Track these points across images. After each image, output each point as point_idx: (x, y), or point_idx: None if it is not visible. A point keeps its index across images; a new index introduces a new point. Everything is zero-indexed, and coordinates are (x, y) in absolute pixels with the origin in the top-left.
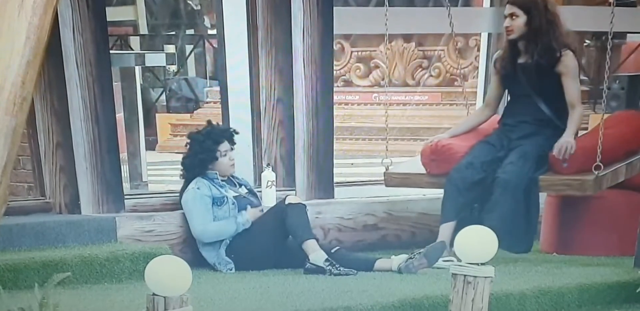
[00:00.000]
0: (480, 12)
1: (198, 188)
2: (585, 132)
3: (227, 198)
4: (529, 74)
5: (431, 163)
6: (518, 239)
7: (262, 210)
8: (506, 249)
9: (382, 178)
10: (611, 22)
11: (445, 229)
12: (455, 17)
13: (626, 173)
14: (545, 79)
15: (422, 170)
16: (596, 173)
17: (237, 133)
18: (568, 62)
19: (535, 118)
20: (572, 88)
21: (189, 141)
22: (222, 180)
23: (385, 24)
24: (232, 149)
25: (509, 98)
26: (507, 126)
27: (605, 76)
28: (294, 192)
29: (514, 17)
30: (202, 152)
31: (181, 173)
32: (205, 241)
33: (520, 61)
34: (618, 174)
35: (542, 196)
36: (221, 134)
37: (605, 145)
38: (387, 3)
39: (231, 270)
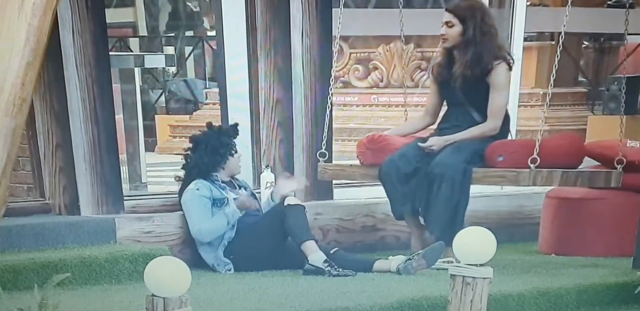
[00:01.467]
0: None
1: (197, 189)
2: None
3: (227, 199)
4: (461, 82)
5: (366, 151)
6: (446, 229)
7: (261, 210)
8: (439, 239)
9: None
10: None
11: (408, 222)
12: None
13: (560, 181)
14: (476, 89)
15: (356, 162)
16: (532, 165)
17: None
18: (497, 75)
19: (469, 125)
20: (495, 101)
21: (193, 145)
22: (223, 182)
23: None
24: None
25: (446, 107)
26: (443, 130)
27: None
28: (293, 193)
29: (450, 26)
30: (219, 150)
31: (176, 176)
32: (204, 240)
33: (454, 69)
34: (553, 176)
35: (540, 198)
36: (233, 130)
37: (543, 151)
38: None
39: (230, 270)
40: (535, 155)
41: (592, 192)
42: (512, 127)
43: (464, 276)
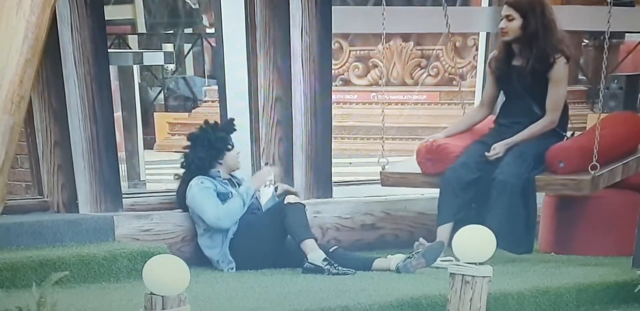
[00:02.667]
0: (478, 11)
1: (202, 182)
2: (581, 132)
3: (232, 193)
4: (522, 76)
5: (426, 162)
6: (518, 239)
7: (261, 209)
8: (508, 250)
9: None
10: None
11: (443, 231)
12: (453, 16)
13: (623, 173)
14: (537, 82)
15: (418, 170)
16: (592, 172)
17: (235, 130)
18: (558, 69)
19: (529, 119)
20: (554, 95)
21: (190, 142)
22: (224, 179)
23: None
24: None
25: (504, 98)
26: (502, 127)
27: (603, 76)
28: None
29: (510, 19)
30: (215, 144)
31: (176, 174)
32: (225, 226)
33: (515, 63)
34: (615, 174)
35: (540, 196)
36: (229, 125)
37: (602, 145)
38: (384, 2)
39: (232, 269)
40: (594, 162)
41: None
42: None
43: (463, 275)
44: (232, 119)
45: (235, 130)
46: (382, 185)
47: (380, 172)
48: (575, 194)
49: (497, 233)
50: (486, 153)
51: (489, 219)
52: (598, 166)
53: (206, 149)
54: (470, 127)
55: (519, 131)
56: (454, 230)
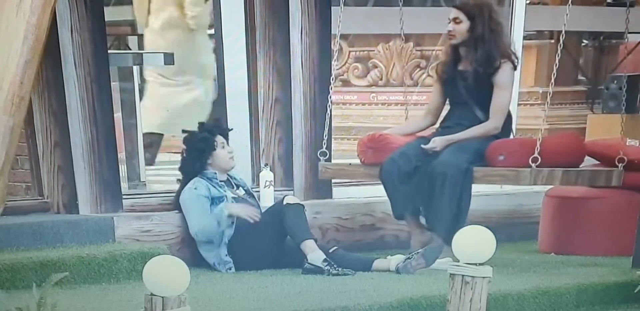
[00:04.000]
0: None
1: (195, 188)
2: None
3: (226, 197)
4: (467, 81)
5: (367, 150)
6: (450, 230)
7: (250, 194)
8: (445, 241)
9: None
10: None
11: (409, 222)
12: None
13: (562, 179)
14: (482, 87)
15: (357, 161)
16: (533, 164)
17: (230, 130)
18: (503, 74)
19: (472, 123)
20: (499, 100)
21: (185, 146)
22: (221, 180)
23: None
24: (227, 143)
25: (449, 106)
26: (445, 128)
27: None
28: (292, 192)
29: (457, 22)
30: (197, 145)
31: (178, 179)
32: (201, 240)
33: (460, 68)
34: (554, 175)
35: (540, 197)
36: (213, 125)
37: (544, 148)
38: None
39: (230, 269)
40: (536, 154)
41: (592, 191)
42: (513, 126)
43: (463, 276)
44: (218, 119)
45: (222, 130)
46: (320, 177)
47: (319, 164)
48: (514, 184)
49: (432, 223)
50: (422, 146)
51: (430, 210)
52: (539, 158)
53: (191, 150)
54: (413, 132)
55: (462, 130)
56: (416, 218)
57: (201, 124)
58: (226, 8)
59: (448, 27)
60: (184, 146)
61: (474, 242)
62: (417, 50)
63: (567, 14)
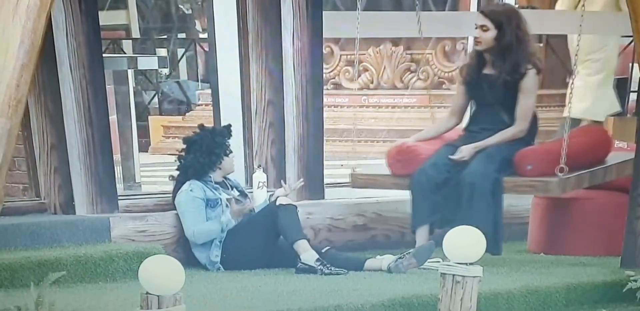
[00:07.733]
0: (466, 15)
1: (191, 190)
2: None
3: (220, 200)
4: (493, 85)
5: (396, 163)
6: (488, 241)
7: (253, 210)
8: None
9: None
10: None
11: (420, 234)
12: (442, 20)
13: (590, 180)
14: (507, 92)
15: (387, 171)
16: (560, 174)
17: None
18: (529, 81)
19: (498, 127)
20: (524, 105)
21: (188, 146)
22: (216, 182)
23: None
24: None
25: (474, 107)
26: (472, 133)
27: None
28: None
29: (484, 30)
30: (214, 150)
31: (171, 175)
32: (197, 242)
33: (485, 71)
34: (581, 179)
35: (529, 198)
36: (227, 130)
37: (570, 151)
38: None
39: (219, 269)
40: (562, 164)
41: (581, 192)
42: None
43: (454, 275)
44: (230, 125)
45: (232, 135)
46: (352, 187)
47: (350, 174)
48: (543, 195)
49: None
50: (450, 156)
51: (458, 221)
52: (565, 168)
53: (205, 154)
54: (438, 135)
55: (488, 137)
56: (431, 233)
57: (213, 129)
58: (219, 12)
59: (474, 34)
60: (190, 148)
61: (464, 242)
62: (407, 53)
63: (582, 18)
